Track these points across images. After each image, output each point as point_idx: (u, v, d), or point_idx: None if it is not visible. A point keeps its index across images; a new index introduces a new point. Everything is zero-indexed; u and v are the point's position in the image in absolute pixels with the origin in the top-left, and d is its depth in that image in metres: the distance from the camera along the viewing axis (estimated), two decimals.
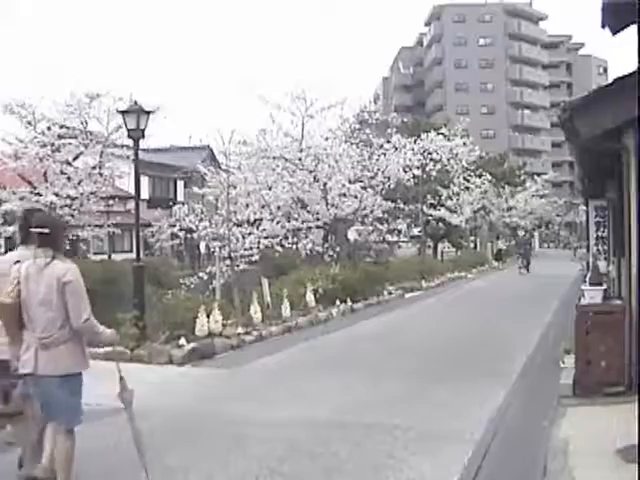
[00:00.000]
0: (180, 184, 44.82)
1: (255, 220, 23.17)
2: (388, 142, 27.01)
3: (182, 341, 12.71)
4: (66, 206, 20.34)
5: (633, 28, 7.14)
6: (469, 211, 47.19)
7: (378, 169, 25.65)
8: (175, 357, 12.17)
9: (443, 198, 45.00)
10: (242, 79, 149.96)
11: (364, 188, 24.89)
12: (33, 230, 5.56)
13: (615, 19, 7.35)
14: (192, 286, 20.64)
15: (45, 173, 20.90)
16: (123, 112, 15.62)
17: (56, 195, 20.21)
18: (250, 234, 21.76)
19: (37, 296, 5.39)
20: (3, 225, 19.76)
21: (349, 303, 20.12)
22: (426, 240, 44.87)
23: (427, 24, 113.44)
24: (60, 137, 21.00)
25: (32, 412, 5.82)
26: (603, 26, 7.48)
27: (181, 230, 24.69)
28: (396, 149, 26.71)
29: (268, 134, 24.55)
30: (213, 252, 20.37)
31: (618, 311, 9.10)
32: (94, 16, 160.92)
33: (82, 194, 20.84)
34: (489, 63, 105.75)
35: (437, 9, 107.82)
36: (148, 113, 15.42)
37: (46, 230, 5.50)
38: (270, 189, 24.20)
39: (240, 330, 14.43)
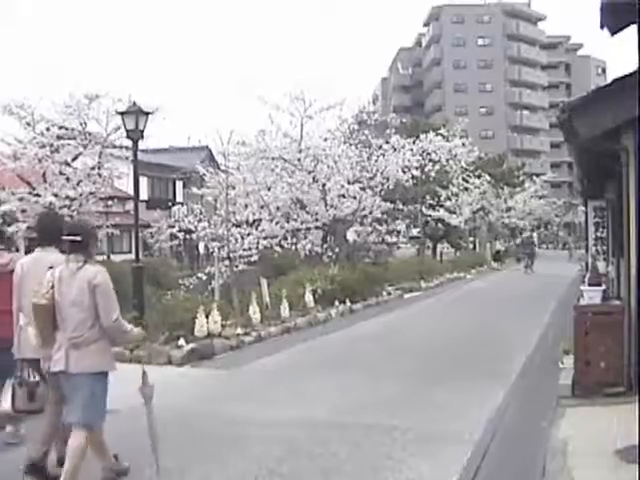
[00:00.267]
0: (179, 185, 44.87)
1: (254, 221, 23.17)
2: (387, 143, 27.00)
3: (181, 342, 12.71)
4: (65, 207, 20.33)
5: (632, 28, 7.14)
6: (468, 212, 47.17)
7: (377, 170, 25.64)
8: (174, 358, 12.17)
9: (442, 199, 44.99)
10: (241, 80, 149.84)
11: (363, 189, 24.89)
12: (65, 238, 5.93)
13: (614, 19, 7.35)
14: (191, 287, 20.65)
15: (44, 174, 20.89)
16: (122, 113, 15.65)
17: (55, 196, 20.20)
18: (249, 235, 21.78)
19: (69, 298, 5.74)
20: (2, 225, 19.74)
21: (348, 304, 20.10)
22: (425, 241, 44.87)
23: (426, 25, 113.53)
24: (59, 138, 20.99)
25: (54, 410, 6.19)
26: (602, 26, 7.47)
27: (180, 231, 24.72)
28: (395, 150, 26.70)
29: (267, 135, 24.56)
30: (212, 253, 20.37)
31: (617, 312, 9.10)
32: (93, 17, 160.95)
33: (81, 195, 20.84)
34: (488, 64, 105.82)
35: (436, 10, 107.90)
36: (147, 114, 15.45)
37: (78, 238, 5.88)
38: (269, 190, 24.21)
39: (239, 331, 14.42)
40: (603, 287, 10.51)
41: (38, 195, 20.21)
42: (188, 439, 7.27)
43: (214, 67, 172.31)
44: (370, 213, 26.12)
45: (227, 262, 19.21)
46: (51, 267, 6.01)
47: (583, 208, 34.43)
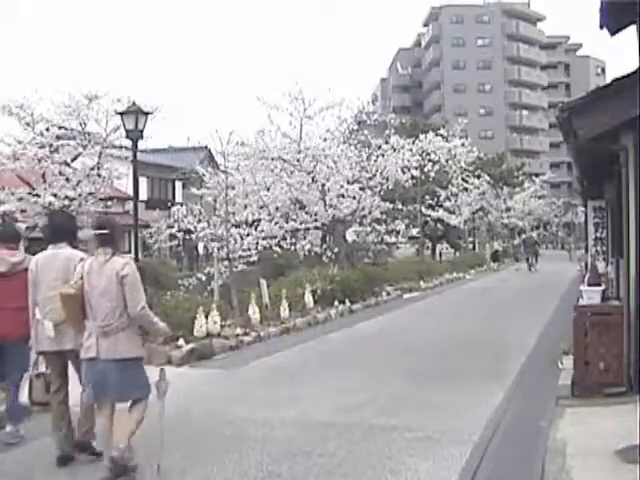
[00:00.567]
0: (178, 185, 44.82)
1: (253, 221, 23.13)
2: (386, 143, 26.99)
3: (181, 342, 12.70)
4: (64, 207, 20.30)
5: (632, 28, 7.15)
6: (467, 212, 47.20)
7: (376, 170, 25.63)
8: (174, 358, 12.16)
9: (441, 199, 45.02)
10: (240, 80, 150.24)
11: (362, 189, 24.87)
12: (96, 232, 6.27)
13: (613, 19, 7.35)
14: (190, 287, 20.62)
15: (44, 174, 20.88)
16: (121, 113, 15.68)
17: (54, 196, 20.19)
18: (248, 235, 21.72)
19: (98, 288, 6.09)
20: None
21: (347, 304, 20.10)
22: (424, 241, 44.90)
23: (425, 25, 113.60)
24: (59, 138, 20.98)
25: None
26: (601, 27, 7.48)
27: (179, 231, 24.66)
28: (394, 150, 26.69)
29: (266, 135, 24.54)
30: (211, 253, 20.31)
31: (617, 312, 9.10)
32: (93, 17, 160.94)
33: (80, 195, 20.82)
34: (487, 64, 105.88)
35: (435, 10, 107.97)
36: (146, 114, 15.47)
37: (105, 231, 6.28)
38: (268, 190, 24.19)
39: (238, 331, 14.42)
40: (602, 287, 10.51)
41: (37, 195, 20.20)
42: (188, 439, 7.27)
43: (214, 67, 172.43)
44: (369, 213, 26.12)
45: (226, 262, 19.18)
46: (82, 259, 6.47)
47: (582, 208, 34.49)
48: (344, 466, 6.53)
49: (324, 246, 25.36)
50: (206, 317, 13.85)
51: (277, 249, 22.88)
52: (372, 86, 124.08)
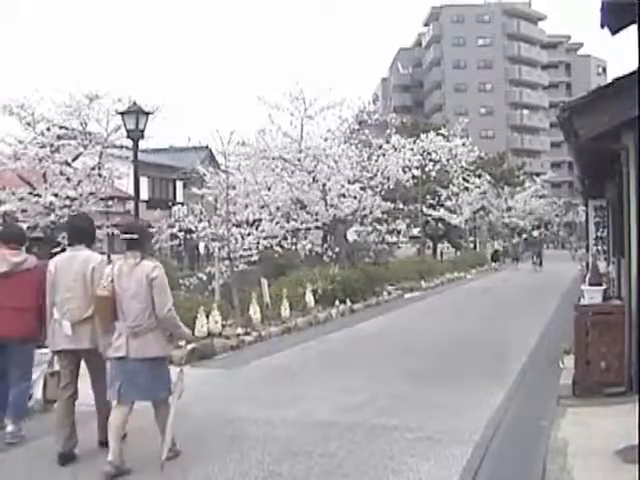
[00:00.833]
0: (179, 185, 44.80)
1: (254, 221, 23.12)
2: (387, 142, 27.01)
3: (181, 341, 12.68)
4: (65, 207, 20.32)
5: (632, 28, 7.13)
6: (468, 211, 47.21)
7: (377, 169, 25.63)
8: (175, 357, 12.08)
9: (442, 198, 45.03)
10: (241, 80, 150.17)
11: (363, 189, 24.87)
12: (123, 236, 6.59)
13: (614, 19, 7.33)
14: (191, 287, 20.60)
15: (44, 174, 20.88)
16: (122, 113, 15.66)
17: (55, 196, 20.19)
18: (249, 235, 21.71)
19: (129, 291, 6.36)
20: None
21: (348, 303, 20.11)
22: (425, 240, 44.91)
23: (426, 24, 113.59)
24: (59, 138, 20.98)
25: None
26: (602, 26, 7.46)
27: (180, 231, 24.65)
28: (395, 149, 26.70)
29: (267, 134, 24.52)
30: (212, 253, 20.32)
31: (618, 311, 9.09)
32: (93, 17, 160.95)
33: (81, 195, 20.82)
34: (488, 63, 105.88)
35: (436, 10, 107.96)
36: (147, 114, 15.45)
37: (135, 235, 6.55)
38: (269, 190, 24.18)
39: (239, 331, 14.42)
40: (604, 287, 10.50)
41: (38, 195, 20.20)
42: (188, 439, 7.26)
43: (214, 67, 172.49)
44: (370, 213, 26.11)
45: (227, 262, 19.18)
46: (110, 262, 6.83)
47: (583, 208, 34.47)
48: (345, 466, 6.52)
49: (325, 246, 25.35)
50: (207, 317, 13.85)
51: (278, 249, 22.87)
52: (373, 86, 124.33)
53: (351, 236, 26.30)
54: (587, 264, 18.21)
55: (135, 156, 15.34)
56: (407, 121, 54.73)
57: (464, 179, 44.47)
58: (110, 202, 23.19)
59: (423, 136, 30.55)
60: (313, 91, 24.92)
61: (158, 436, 6.52)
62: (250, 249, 20.75)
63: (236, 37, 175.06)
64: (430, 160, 30.29)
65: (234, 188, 23.08)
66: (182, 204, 32.16)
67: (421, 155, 28.94)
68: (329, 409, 8.68)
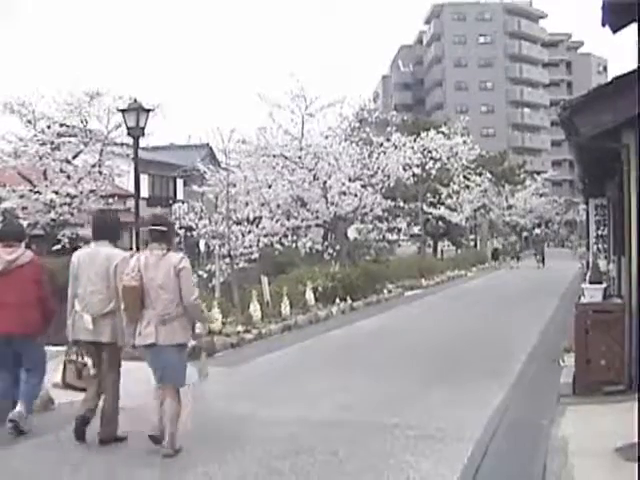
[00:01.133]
0: (180, 182, 44.78)
1: (255, 218, 23.12)
2: (388, 140, 26.99)
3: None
4: (66, 204, 20.35)
5: (633, 26, 7.14)
6: (469, 209, 47.15)
7: (378, 167, 25.62)
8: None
9: (443, 196, 44.95)
10: (242, 78, 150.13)
11: (364, 186, 24.86)
12: (152, 228, 6.87)
13: (615, 17, 7.34)
14: None
15: (45, 171, 20.90)
16: (123, 110, 15.66)
17: (56, 193, 20.22)
18: (250, 232, 21.72)
19: (156, 281, 6.68)
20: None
21: (349, 301, 20.11)
22: (426, 239, 44.86)
23: (427, 22, 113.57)
24: (60, 135, 21.00)
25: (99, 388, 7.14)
26: (603, 24, 7.46)
27: (181, 228, 24.61)
28: (396, 147, 26.70)
29: (268, 132, 24.49)
30: (213, 250, 20.34)
31: (618, 310, 9.10)
32: (94, 15, 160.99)
33: (82, 192, 20.84)
34: (489, 61, 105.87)
35: (437, 7, 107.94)
36: (148, 111, 15.46)
37: (164, 228, 6.92)
38: (270, 187, 24.15)
39: (240, 328, 14.41)
40: (604, 285, 10.51)
41: (39, 193, 20.22)
42: (188, 437, 7.26)
43: (215, 65, 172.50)
44: (371, 211, 26.10)
45: (228, 260, 19.19)
46: (132, 255, 7.17)
47: (584, 206, 34.45)
48: (346, 464, 6.52)
49: (325, 244, 25.36)
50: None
51: (278, 246, 22.88)
52: (374, 83, 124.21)
53: (352, 234, 26.32)
54: (587, 262, 18.21)
55: (135, 153, 15.34)
56: (408, 119, 54.62)
57: (465, 177, 44.39)
58: (110, 200, 23.17)
59: (424, 134, 30.56)
60: (314, 89, 24.94)
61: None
62: (250, 247, 20.76)
63: (237, 34, 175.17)
64: (431, 158, 30.28)
65: (234, 186, 23.06)
66: (182, 202, 32.02)
67: (422, 153, 28.95)
68: (330, 407, 8.69)
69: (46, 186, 20.39)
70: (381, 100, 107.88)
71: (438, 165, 31.31)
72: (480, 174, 46.65)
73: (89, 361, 7.39)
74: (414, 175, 27.69)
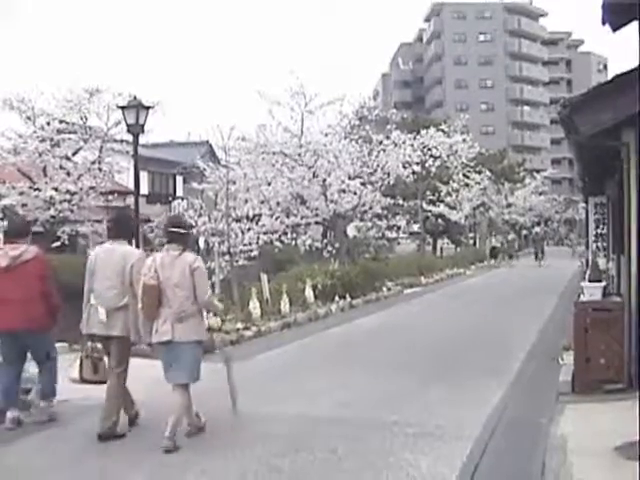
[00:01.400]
0: (179, 179, 44.73)
1: (254, 216, 23.14)
2: (387, 138, 26.98)
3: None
4: (65, 201, 20.33)
5: (634, 25, 7.13)
6: (468, 207, 47.14)
7: (377, 165, 25.61)
8: None
9: (442, 194, 44.94)
10: (242, 75, 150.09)
11: (363, 184, 24.85)
12: (171, 230, 7.17)
13: (616, 16, 7.32)
14: None
15: (44, 168, 20.88)
16: (123, 107, 15.65)
17: (55, 190, 20.19)
18: (249, 230, 21.74)
19: (172, 279, 6.96)
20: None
21: (348, 299, 20.11)
22: (425, 236, 44.89)
23: (427, 20, 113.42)
24: (59, 132, 20.97)
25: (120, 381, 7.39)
26: (603, 23, 7.45)
27: None
28: (395, 145, 26.69)
29: (267, 130, 24.48)
30: (212, 247, 20.33)
31: (617, 308, 9.10)
32: (94, 12, 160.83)
33: (81, 189, 20.82)
34: (488, 60, 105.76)
35: (437, 5, 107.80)
36: (147, 108, 15.45)
37: (182, 230, 7.25)
38: (269, 185, 24.15)
39: (239, 325, 14.42)
40: (603, 283, 10.52)
41: (38, 189, 20.20)
42: (188, 434, 7.26)
43: (215, 63, 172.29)
44: (370, 208, 26.10)
45: (227, 257, 19.19)
46: (148, 255, 7.48)
47: (584, 204, 34.46)
48: (345, 461, 6.53)
49: (325, 241, 25.37)
50: (207, 311, 13.82)
51: (278, 244, 22.90)
52: (373, 81, 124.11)
53: (351, 232, 26.31)
54: (587, 261, 18.22)
55: (135, 150, 15.34)
56: (407, 117, 54.56)
57: (464, 175, 44.39)
58: (110, 196, 23.18)
59: (423, 132, 30.54)
60: (313, 86, 24.94)
61: (154, 432, 6.62)
62: (250, 244, 20.77)
63: (236, 29, 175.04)
64: (430, 156, 30.29)
65: (234, 183, 23.06)
66: (182, 199, 32.02)
67: (421, 151, 28.94)
68: (329, 404, 8.69)
69: (46, 183, 20.37)
70: (381, 98, 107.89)
71: (438, 163, 31.35)
72: (480, 172, 46.64)
73: (105, 356, 7.58)
74: (414, 173, 27.70)
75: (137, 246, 15.25)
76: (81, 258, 11.94)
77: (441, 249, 49.45)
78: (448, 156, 32.56)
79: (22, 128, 21.10)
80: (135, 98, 15.58)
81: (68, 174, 20.77)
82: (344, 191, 24.47)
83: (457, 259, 40.15)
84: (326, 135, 25.60)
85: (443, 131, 32.81)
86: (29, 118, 20.99)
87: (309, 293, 18.56)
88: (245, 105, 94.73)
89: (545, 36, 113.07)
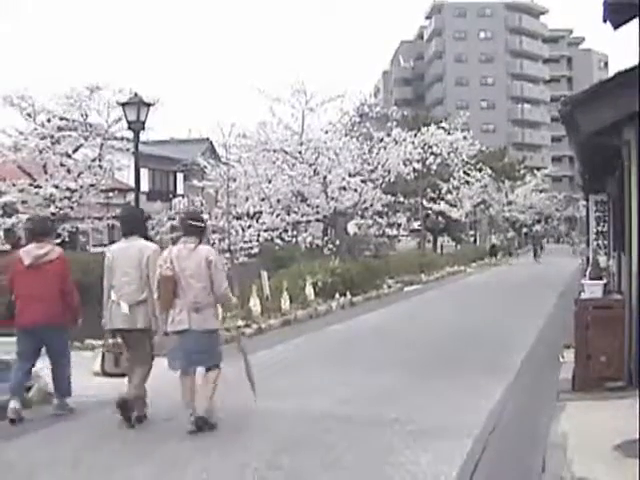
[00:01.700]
0: (180, 177, 44.76)
1: (255, 213, 23.16)
2: (388, 135, 27.01)
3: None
4: (66, 198, 20.31)
5: (634, 23, 7.13)
6: (469, 205, 47.18)
7: (378, 163, 25.63)
8: None
9: (443, 192, 44.96)
10: (243, 73, 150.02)
11: (364, 181, 24.87)
12: (190, 223, 7.46)
13: (616, 13, 7.32)
14: None
15: (45, 165, 20.87)
16: (123, 104, 15.62)
17: (56, 187, 20.18)
18: (250, 227, 21.75)
19: (188, 271, 7.23)
20: (2, 217, 19.72)
21: (348, 296, 20.11)
22: (426, 234, 44.91)
23: (428, 17, 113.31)
24: (60, 129, 20.95)
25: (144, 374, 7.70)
26: (604, 20, 7.44)
27: None
28: (396, 143, 26.71)
29: (268, 127, 24.51)
30: (213, 245, 20.34)
31: (618, 306, 9.08)
32: (95, 9, 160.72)
33: (82, 186, 20.80)
34: (489, 57, 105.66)
35: (438, 3, 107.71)
36: (148, 105, 15.41)
37: (200, 224, 7.58)
38: (270, 182, 24.17)
39: (239, 323, 14.42)
40: (604, 281, 10.49)
41: (39, 187, 20.19)
42: (186, 430, 7.26)
43: (216, 60, 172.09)
44: (371, 206, 26.12)
45: (228, 254, 19.20)
46: (162, 249, 7.78)
47: (584, 202, 34.43)
48: (345, 459, 6.52)
49: (325, 238, 25.39)
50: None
51: (278, 241, 22.90)
52: (374, 79, 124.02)
53: (351, 229, 26.32)
54: (587, 258, 18.21)
55: (136, 148, 15.31)
56: (408, 114, 54.55)
57: (465, 173, 44.38)
58: (110, 194, 23.17)
59: (424, 129, 30.57)
60: (314, 84, 24.95)
61: (154, 429, 6.62)
62: (250, 241, 20.78)
63: (237, 27, 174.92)
64: (431, 153, 30.32)
65: (235, 180, 23.09)
66: (182, 196, 32.12)
67: (422, 148, 28.97)
68: (329, 401, 8.69)
69: (46, 180, 20.36)
70: (381, 95, 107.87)
71: (438, 160, 31.38)
72: (480, 170, 46.66)
73: (125, 350, 7.79)
74: (414, 170, 27.72)
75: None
76: (81, 255, 11.95)
77: (441, 247, 49.46)
78: (448, 153, 32.56)
79: (22, 125, 21.12)
80: (136, 95, 15.54)
81: (68, 171, 20.76)
82: (345, 188, 24.49)
83: (457, 257, 40.18)
84: (327, 132, 25.64)
85: (444, 128, 32.80)
86: (29, 115, 20.98)
87: (309, 290, 18.56)
88: (246, 102, 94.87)
89: (546, 34, 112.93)
